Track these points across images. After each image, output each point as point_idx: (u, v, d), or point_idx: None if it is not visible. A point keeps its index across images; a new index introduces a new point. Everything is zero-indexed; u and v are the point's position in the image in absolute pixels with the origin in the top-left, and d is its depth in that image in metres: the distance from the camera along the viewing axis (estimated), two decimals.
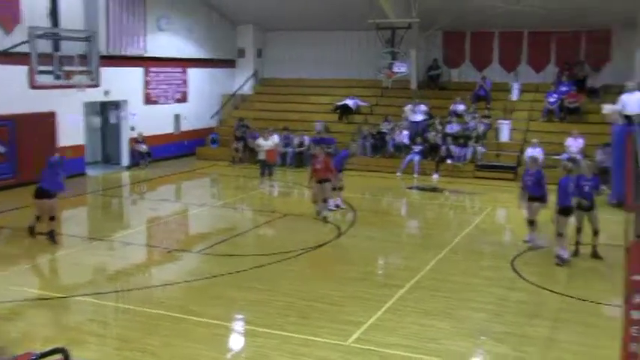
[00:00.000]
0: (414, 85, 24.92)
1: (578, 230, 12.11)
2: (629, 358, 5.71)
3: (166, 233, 14.68)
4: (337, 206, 15.80)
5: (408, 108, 23.17)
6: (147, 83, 23.31)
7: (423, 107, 22.96)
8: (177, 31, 24.43)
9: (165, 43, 23.94)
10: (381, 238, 13.87)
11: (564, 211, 11.62)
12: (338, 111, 24.85)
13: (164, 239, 14.09)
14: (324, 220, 14.64)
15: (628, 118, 16.83)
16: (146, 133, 22.79)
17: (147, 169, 22.14)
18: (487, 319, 9.20)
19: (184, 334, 8.53)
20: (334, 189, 15.60)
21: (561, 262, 11.53)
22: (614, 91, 20.86)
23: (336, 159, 16.26)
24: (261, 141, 20.48)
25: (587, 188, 11.82)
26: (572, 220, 11.91)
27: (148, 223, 15.62)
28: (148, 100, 23.47)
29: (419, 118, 22.70)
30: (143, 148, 22.47)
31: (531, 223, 12.80)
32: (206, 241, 13.43)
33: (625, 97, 17.03)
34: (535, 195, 12.57)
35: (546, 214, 12.55)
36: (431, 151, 21.76)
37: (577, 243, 12.13)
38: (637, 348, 5.65)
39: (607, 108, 20.71)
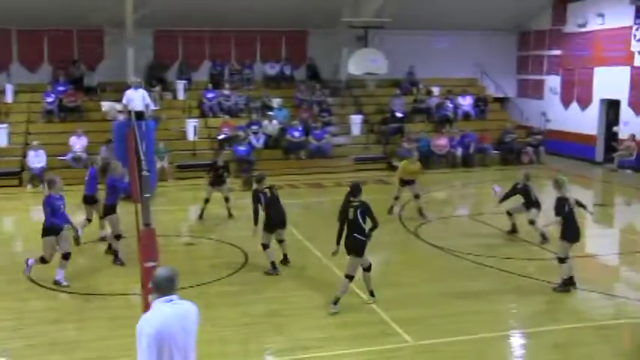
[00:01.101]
0: None
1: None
2: None
3: None
4: None
5: None
6: None
7: None
8: None
9: None
10: None
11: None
12: None
13: None
14: None
15: (133, 113, 17.28)
16: None
17: None
18: (8, 336, 8.56)
19: None
20: None
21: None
22: (110, 89, 21.55)
23: None
24: None
25: (122, 186, 11.89)
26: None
27: None
28: None
29: None
30: None
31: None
32: None
33: (130, 93, 17.48)
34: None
35: None
36: None
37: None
38: None
39: (105, 105, 21.27)
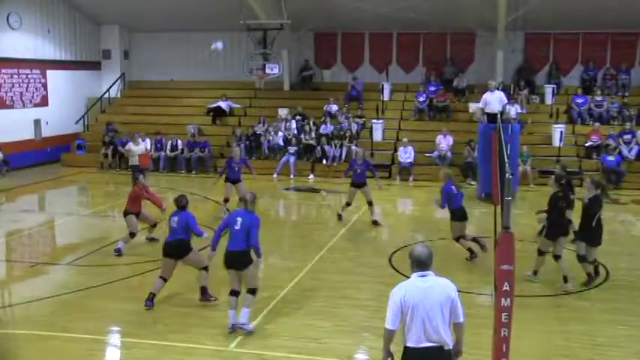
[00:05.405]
0: (286, 86, 24.98)
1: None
2: (501, 342, 5.94)
3: (30, 246, 13.75)
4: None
5: (284, 113, 23.27)
6: None
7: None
8: (32, 30, 23.17)
9: (19, 42, 22.65)
10: (260, 240, 13.59)
11: None
12: (211, 113, 24.45)
13: (28, 252, 13.22)
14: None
15: (490, 116, 17.52)
16: (1, 140, 21.41)
17: (4, 178, 20.62)
18: (368, 315, 9.26)
19: (55, 353, 7.95)
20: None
21: None
22: (478, 91, 21.86)
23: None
24: (131, 146, 19.45)
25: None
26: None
27: (8, 236, 14.28)
28: (2, 105, 22.06)
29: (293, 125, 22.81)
30: None
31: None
32: (75, 252, 12.64)
33: (486, 96, 17.71)
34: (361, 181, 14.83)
35: None
36: (306, 151, 21.86)
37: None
38: (507, 332, 5.94)
39: (473, 107, 21.69)
